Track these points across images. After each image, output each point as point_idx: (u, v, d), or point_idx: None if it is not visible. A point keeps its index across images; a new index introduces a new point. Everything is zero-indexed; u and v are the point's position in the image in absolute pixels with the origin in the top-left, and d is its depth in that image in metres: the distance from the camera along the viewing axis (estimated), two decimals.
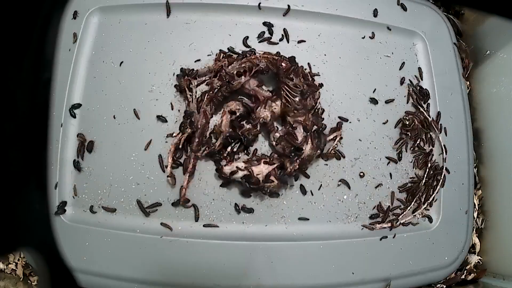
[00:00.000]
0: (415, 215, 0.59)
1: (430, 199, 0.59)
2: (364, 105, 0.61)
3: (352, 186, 0.59)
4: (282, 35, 0.61)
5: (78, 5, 0.59)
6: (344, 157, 0.59)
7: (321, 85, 0.60)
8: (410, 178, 0.61)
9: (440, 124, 0.62)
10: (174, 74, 0.58)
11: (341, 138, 0.59)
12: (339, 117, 0.60)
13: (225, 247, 0.54)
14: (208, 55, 0.59)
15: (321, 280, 0.55)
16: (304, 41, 0.62)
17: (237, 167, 0.53)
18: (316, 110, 0.57)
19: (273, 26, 0.61)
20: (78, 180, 0.55)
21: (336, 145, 0.59)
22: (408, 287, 0.58)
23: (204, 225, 0.54)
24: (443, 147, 0.61)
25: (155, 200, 0.55)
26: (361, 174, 0.59)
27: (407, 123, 0.60)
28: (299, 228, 0.56)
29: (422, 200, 0.60)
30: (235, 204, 0.55)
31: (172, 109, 0.57)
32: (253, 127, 0.55)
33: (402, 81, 0.63)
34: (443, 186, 0.60)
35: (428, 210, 0.60)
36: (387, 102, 0.62)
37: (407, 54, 0.65)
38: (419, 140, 0.61)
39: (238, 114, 0.56)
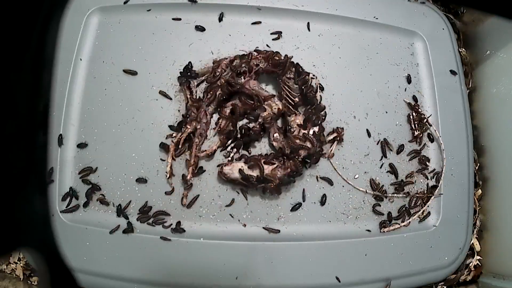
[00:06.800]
0: (415, 216, 0.59)
1: (430, 200, 0.59)
2: (364, 105, 0.61)
3: (352, 187, 0.58)
4: (282, 35, 0.61)
5: (78, 5, 0.59)
6: (344, 157, 0.59)
7: (321, 87, 0.60)
8: (411, 179, 0.61)
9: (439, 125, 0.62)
10: (174, 72, 0.58)
11: (341, 140, 0.59)
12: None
13: (225, 247, 0.54)
14: (208, 55, 0.59)
15: (321, 280, 0.55)
16: (304, 41, 0.62)
17: (237, 166, 0.53)
18: (316, 110, 0.57)
19: (273, 26, 0.61)
20: (78, 180, 0.55)
21: (336, 146, 0.59)
22: (408, 287, 0.58)
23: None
24: (441, 148, 0.61)
25: (155, 200, 0.55)
26: (362, 174, 0.59)
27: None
28: (299, 228, 0.56)
29: (423, 201, 0.60)
30: (235, 204, 0.55)
31: (172, 109, 0.57)
32: (253, 127, 0.55)
33: (401, 82, 0.63)
34: (440, 187, 0.61)
35: (428, 210, 0.60)
36: (387, 102, 0.62)
37: (407, 54, 0.65)
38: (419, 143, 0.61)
39: (238, 114, 0.56)
